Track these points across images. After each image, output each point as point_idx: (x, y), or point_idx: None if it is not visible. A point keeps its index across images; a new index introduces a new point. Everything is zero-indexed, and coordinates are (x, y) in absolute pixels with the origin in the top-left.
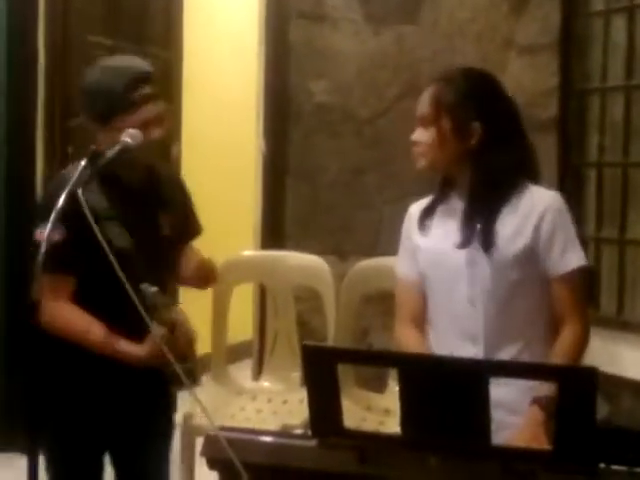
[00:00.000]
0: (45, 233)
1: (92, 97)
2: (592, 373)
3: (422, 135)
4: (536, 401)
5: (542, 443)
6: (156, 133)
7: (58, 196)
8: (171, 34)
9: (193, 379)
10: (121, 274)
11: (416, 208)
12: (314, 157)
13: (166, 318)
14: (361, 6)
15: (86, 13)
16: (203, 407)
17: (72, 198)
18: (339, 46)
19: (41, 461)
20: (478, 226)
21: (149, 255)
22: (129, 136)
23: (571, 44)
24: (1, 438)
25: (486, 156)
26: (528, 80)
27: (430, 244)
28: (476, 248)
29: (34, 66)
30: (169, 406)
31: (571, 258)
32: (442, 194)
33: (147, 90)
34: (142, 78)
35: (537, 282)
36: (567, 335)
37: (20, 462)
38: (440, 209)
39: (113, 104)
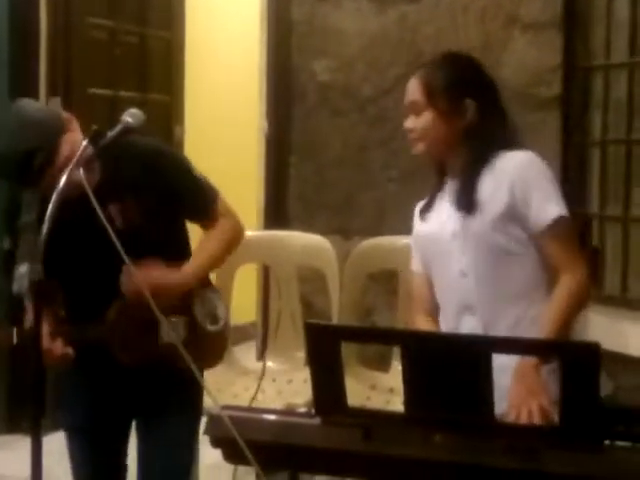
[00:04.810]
0: None
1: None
2: (595, 349)
3: (416, 121)
4: None
5: (536, 387)
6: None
7: None
8: (173, 15)
9: None
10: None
11: (419, 204)
12: (317, 136)
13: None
14: None
15: None
16: (206, 387)
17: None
18: (341, 25)
19: (44, 443)
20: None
21: (98, 257)
22: (130, 115)
23: (574, 21)
24: (5, 421)
25: (481, 132)
26: (531, 58)
27: (426, 228)
28: (461, 219)
29: (36, 48)
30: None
31: (549, 210)
32: (439, 184)
33: (37, 163)
34: (26, 161)
35: (529, 244)
36: (560, 289)
37: (23, 443)
38: (438, 198)
39: (22, 182)
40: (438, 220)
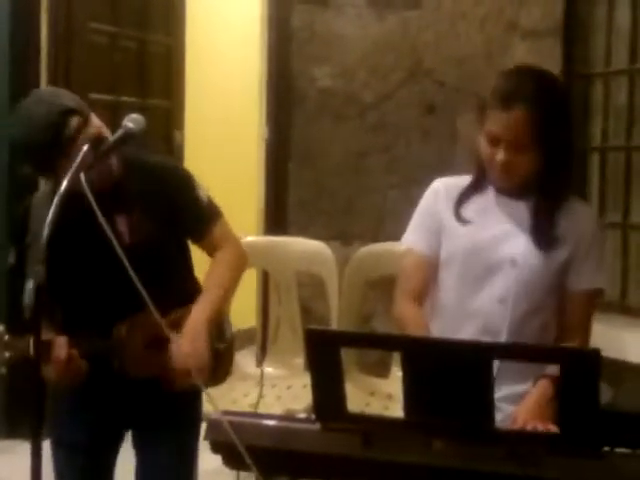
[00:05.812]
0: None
1: (22, 156)
2: (595, 355)
3: (516, 158)
4: (547, 376)
5: (546, 417)
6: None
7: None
8: (173, 20)
9: None
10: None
11: (442, 185)
12: (317, 142)
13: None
14: None
15: (88, 0)
16: (206, 392)
17: (73, 182)
18: (342, 31)
19: (43, 448)
20: (536, 226)
21: (105, 273)
22: (131, 121)
23: (574, 28)
24: (4, 426)
25: (566, 170)
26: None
27: (470, 233)
28: (522, 248)
29: (36, 53)
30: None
31: (597, 278)
32: (478, 183)
33: (72, 125)
34: (62, 119)
35: (557, 294)
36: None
37: (22, 448)
38: (476, 199)
39: (45, 159)
40: (486, 232)
